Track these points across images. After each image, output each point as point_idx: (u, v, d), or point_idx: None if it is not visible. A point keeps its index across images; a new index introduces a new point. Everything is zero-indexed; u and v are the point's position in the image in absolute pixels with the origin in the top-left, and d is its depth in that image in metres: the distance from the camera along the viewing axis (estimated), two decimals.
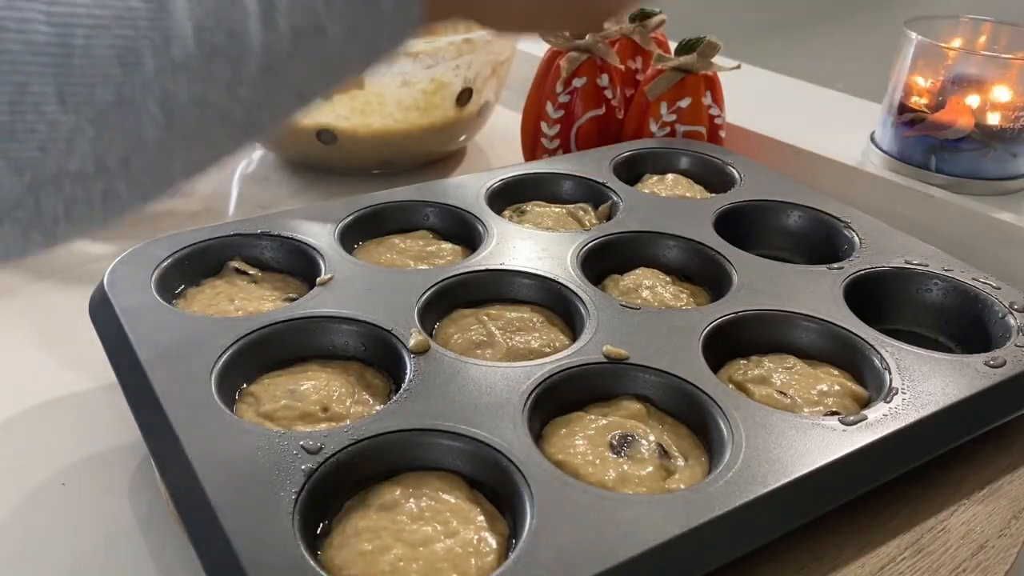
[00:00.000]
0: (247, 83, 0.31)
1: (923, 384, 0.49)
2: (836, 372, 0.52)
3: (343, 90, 0.34)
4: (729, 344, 0.54)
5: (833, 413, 0.48)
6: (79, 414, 0.55)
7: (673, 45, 0.85)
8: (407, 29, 0.36)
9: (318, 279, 0.56)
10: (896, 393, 0.48)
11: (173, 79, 0.29)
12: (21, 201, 0.28)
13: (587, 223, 0.68)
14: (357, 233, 0.64)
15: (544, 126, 0.84)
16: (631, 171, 0.76)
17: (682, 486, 0.43)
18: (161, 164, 0.31)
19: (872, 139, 0.83)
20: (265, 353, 0.50)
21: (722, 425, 0.45)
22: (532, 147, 0.87)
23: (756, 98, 0.96)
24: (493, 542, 0.40)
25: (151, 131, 0.29)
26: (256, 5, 0.30)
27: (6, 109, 0.26)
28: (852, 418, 0.46)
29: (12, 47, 0.26)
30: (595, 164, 0.74)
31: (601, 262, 0.62)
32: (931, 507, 0.47)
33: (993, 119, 0.75)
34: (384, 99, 0.81)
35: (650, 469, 0.44)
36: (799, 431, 0.45)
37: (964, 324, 0.58)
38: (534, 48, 0.91)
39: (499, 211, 0.68)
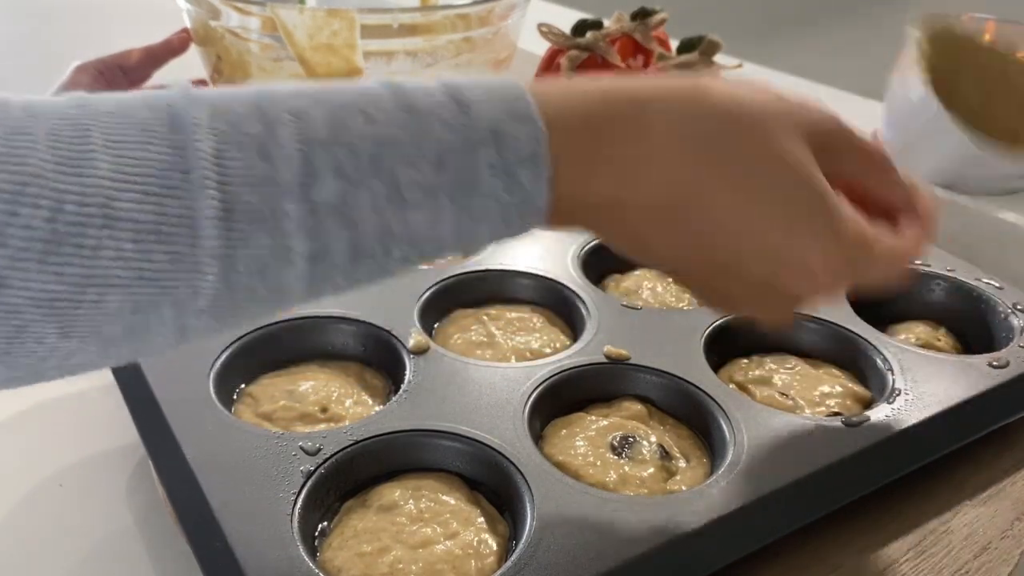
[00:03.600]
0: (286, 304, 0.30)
1: (926, 385, 0.49)
2: (838, 373, 0.52)
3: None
4: (731, 345, 0.53)
5: (835, 414, 0.48)
6: (77, 414, 0.55)
7: (675, 44, 0.85)
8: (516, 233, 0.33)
9: None
10: (899, 394, 0.48)
11: (196, 317, 0.28)
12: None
13: None
14: None
15: None
16: None
17: (683, 487, 0.43)
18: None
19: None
20: (264, 353, 0.50)
21: (723, 426, 0.45)
22: None
23: None
24: (493, 544, 0.39)
25: (159, 342, 0.28)
26: (305, 261, 0.29)
27: (3, 342, 0.26)
28: (855, 419, 0.46)
29: (13, 300, 0.25)
30: None
31: (602, 262, 0.62)
32: (934, 508, 0.47)
33: None
34: None
35: (651, 470, 0.43)
36: (801, 432, 0.44)
37: (967, 325, 0.58)
38: (534, 46, 0.91)
39: None
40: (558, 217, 0.33)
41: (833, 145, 0.36)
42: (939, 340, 0.55)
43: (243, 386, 0.49)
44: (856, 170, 0.37)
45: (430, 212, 0.30)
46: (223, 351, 0.48)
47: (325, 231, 0.28)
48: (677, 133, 0.33)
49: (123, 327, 0.27)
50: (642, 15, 0.87)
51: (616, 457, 0.44)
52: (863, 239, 0.36)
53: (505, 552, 0.39)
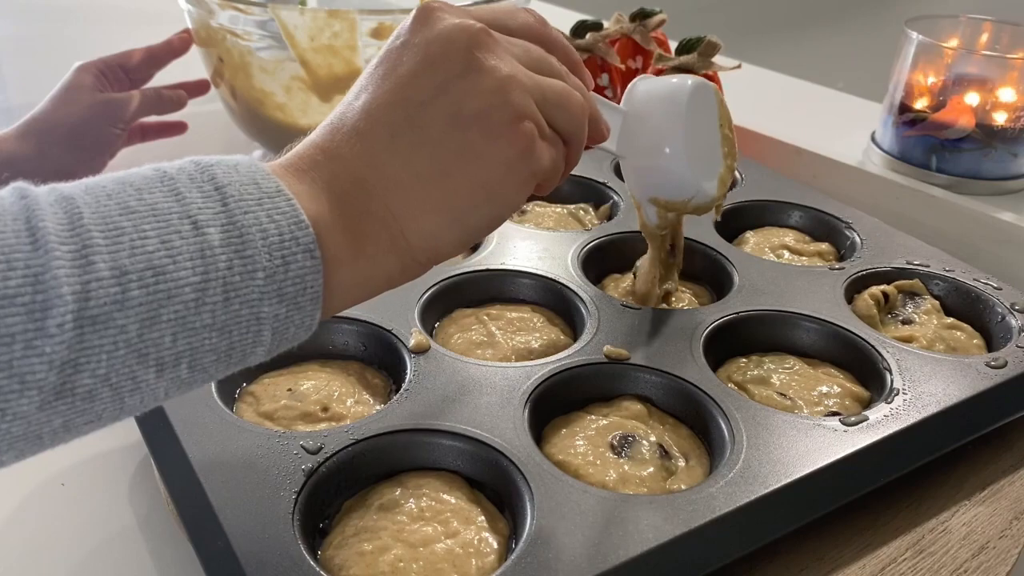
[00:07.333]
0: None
1: (924, 385, 0.49)
2: (837, 372, 0.52)
3: None
4: (730, 344, 0.54)
5: (834, 414, 0.48)
6: None
7: (674, 44, 0.85)
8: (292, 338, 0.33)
9: None
10: (897, 394, 0.48)
11: None
12: None
13: (588, 223, 0.68)
14: None
15: None
16: None
17: (683, 486, 0.43)
18: None
19: (873, 139, 0.83)
20: None
21: (723, 425, 0.45)
22: None
23: (757, 98, 0.96)
24: (494, 542, 0.40)
25: None
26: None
27: None
28: (853, 419, 0.46)
29: None
30: (596, 164, 0.74)
31: (602, 262, 0.62)
32: (932, 508, 0.47)
33: (994, 119, 0.75)
34: None
35: (651, 469, 0.44)
36: (800, 431, 0.45)
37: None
38: None
39: None
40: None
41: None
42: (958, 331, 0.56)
43: (244, 385, 0.49)
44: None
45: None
46: None
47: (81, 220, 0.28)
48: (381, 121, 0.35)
49: None
50: (641, 16, 0.87)
51: (616, 456, 0.44)
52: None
53: (505, 551, 0.40)
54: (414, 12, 0.37)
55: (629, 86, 0.51)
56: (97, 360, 0.28)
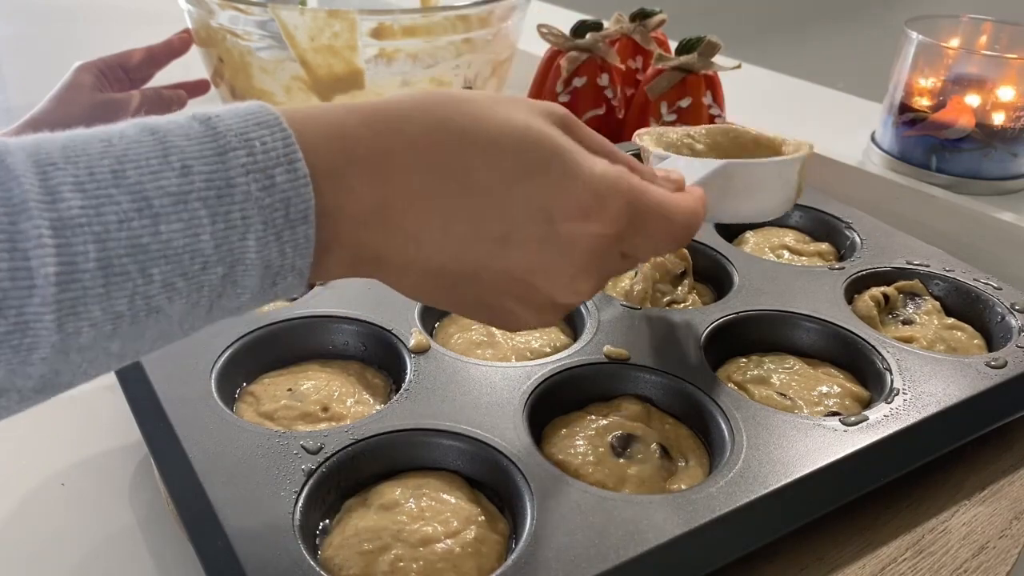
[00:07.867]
0: (38, 364, 0.27)
1: (924, 385, 0.49)
2: (837, 372, 0.52)
3: None
4: (730, 344, 0.54)
5: (834, 414, 0.48)
6: (79, 414, 0.55)
7: (673, 45, 0.85)
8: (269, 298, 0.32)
9: None
10: (897, 394, 0.48)
11: None
12: None
13: None
14: None
15: None
16: None
17: (683, 486, 0.43)
18: None
19: (873, 139, 0.83)
20: (265, 353, 0.50)
21: (722, 425, 0.45)
22: None
23: (756, 98, 0.96)
24: (493, 542, 0.40)
25: None
26: (54, 290, 0.26)
27: None
28: (853, 419, 0.46)
29: None
30: None
31: None
32: (932, 508, 0.47)
33: (994, 119, 0.75)
34: None
35: (650, 470, 0.44)
36: (800, 431, 0.45)
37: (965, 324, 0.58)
38: (534, 48, 0.91)
39: None
40: (333, 238, 0.32)
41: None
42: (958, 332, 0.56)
43: (244, 385, 0.49)
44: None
45: (183, 221, 0.28)
46: (225, 350, 0.48)
47: (69, 247, 0.26)
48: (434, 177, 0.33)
49: None
50: (641, 16, 0.87)
51: (616, 457, 0.44)
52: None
53: (505, 551, 0.40)
54: (619, 201, 0.35)
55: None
56: (78, 367, 0.29)
